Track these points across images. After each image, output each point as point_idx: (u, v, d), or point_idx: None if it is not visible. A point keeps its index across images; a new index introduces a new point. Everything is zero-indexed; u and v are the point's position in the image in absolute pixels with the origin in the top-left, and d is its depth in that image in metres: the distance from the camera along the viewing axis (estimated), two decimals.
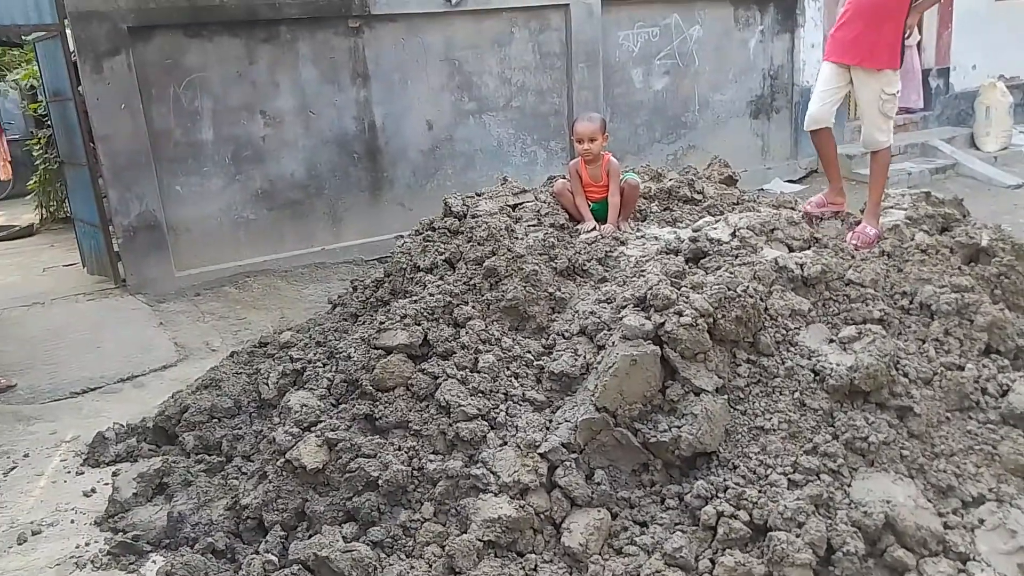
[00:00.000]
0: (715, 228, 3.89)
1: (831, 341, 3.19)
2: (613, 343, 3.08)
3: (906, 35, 3.85)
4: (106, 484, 3.62)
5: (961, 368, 3.12)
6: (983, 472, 2.84)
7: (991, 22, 10.55)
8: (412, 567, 2.73)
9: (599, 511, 2.83)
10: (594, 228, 4.21)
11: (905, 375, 3.03)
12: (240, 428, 3.72)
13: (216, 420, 3.82)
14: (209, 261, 6.89)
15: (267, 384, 3.78)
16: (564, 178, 4.53)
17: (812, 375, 3.04)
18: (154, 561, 3.07)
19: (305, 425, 3.23)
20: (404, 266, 4.02)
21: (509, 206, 4.32)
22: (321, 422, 3.22)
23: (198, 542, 3.07)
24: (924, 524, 2.59)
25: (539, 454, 2.93)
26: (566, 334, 3.42)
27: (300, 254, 7.20)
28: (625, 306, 3.25)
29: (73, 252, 7.87)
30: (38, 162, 9.37)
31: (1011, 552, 2.61)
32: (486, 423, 3.10)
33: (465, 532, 2.78)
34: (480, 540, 2.72)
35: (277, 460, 3.13)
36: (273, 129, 7.04)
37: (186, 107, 6.68)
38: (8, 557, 3.18)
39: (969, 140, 10.28)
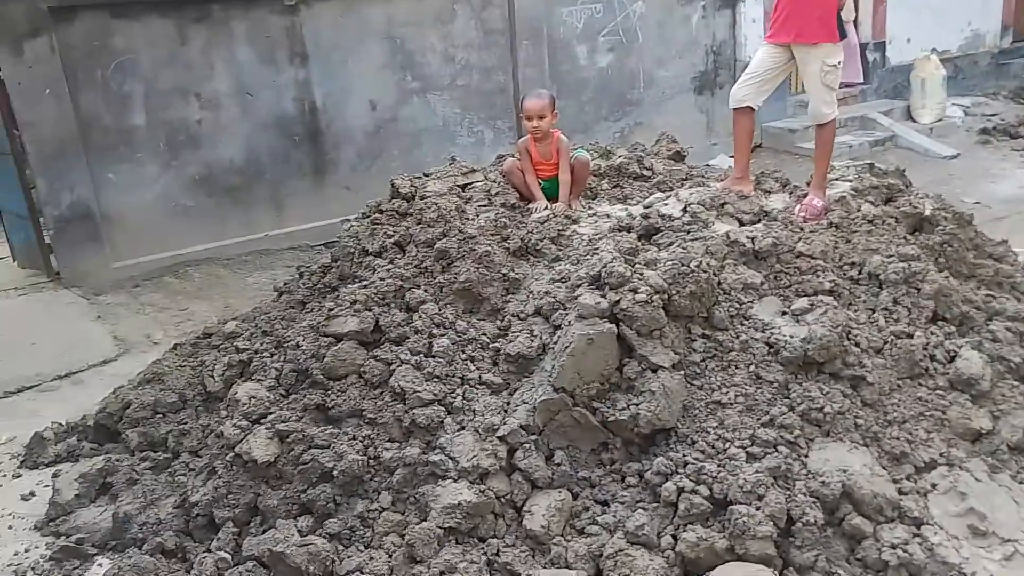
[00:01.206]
0: (666, 204, 3.88)
1: (784, 313, 3.21)
2: (569, 323, 3.05)
3: (840, 8, 3.90)
4: (46, 486, 3.46)
5: (910, 336, 3.17)
6: (934, 437, 2.90)
7: None
8: (371, 558, 2.67)
9: (560, 492, 2.81)
10: (546, 207, 4.17)
11: (857, 345, 3.07)
12: (186, 423, 3.59)
13: (160, 415, 3.68)
14: (147, 251, 6.63)
15: (213, 376, 3.65)
16: (513, 156, 4.46)
17: (766, 348, 3.06)
18: (100, 565, 2.94)
19: (254, 417, 3.12)
20: (352, 250, 3.91)
21: (458, 186, 4.25)
22: (271, 414, 3.11)
23: (146, 543, 2.95)
24: (880, 491, 2.63)
25: (498, 437, 2.89)
26: (521, 315, 3.37)
27: (242, 241, 6.98)
28: (580, 285, 3.21)
29: (2, 246, 7.51)
30: None
31: (962, 514, 2.68)
32: (443, 408, 3.04)
33: (425, 520, 2.73)
34: (440, 527, 2.68)
35: (226, 455, 3.03)
36: (209, 112, 6.80)
37: (116, 91, 6.39)
38: None
39: (906, 112, 10.51)
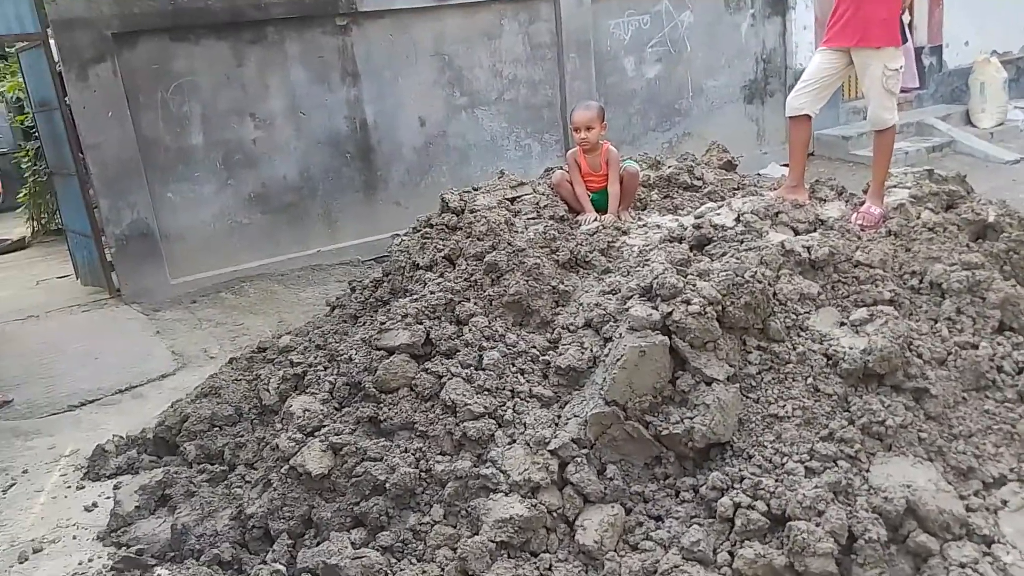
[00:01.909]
0: (718, 214, 3.82)
1: (842, 324, 3.13)
2: (620, 335, 3.01)
3: (902, 12, 3.81)
4: (107, 498, 3.55)
5: (975, 347, 3.06)
6: (1003, 452, 2.78)
7: None
8: (424, 571, 2.67)
9: (613, 507, 2.77)
10: (595, 219, 4.15)
11: (919, 356, 2.97)
12: (242, 436, 3.65)
13: (217, 428, 3.75)
14: (204, 268, 6.81)
15: (268, 390, 3.71)
16: (562, 169, 4.46)
17: (825, 360, 2.98)
18: (159, 575, 3.00)
19: (308, 430, 3.16)
20: (403, 264, 3.95)
21: (507, 200, 4.26)
22: (324, 426, 3.15)
23: (203, 554, 3.00)
24: (946, 507, 2.53)
25: (549, 451, 2.86)
26: (571, 327, 3.35)
27: (296, 257, 7.12)
28: (631, 296, 3.18)
29: (66, 264, 7.79)
30: (27, 174, 9.28)
31: None
32: (493, 421, 3.03)
33: (476, 533, 2.71)
34: (492, 541, 2.66)
35: (281, 467, 3.07)
36: (264, 132, 6.96)
37: (175, 112, 6.60)
38: None
39: (964, 117, 10.22)
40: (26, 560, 3.19)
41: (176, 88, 6.57)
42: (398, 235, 4.44)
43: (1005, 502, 2.64)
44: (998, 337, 3.15)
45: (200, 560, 2.98)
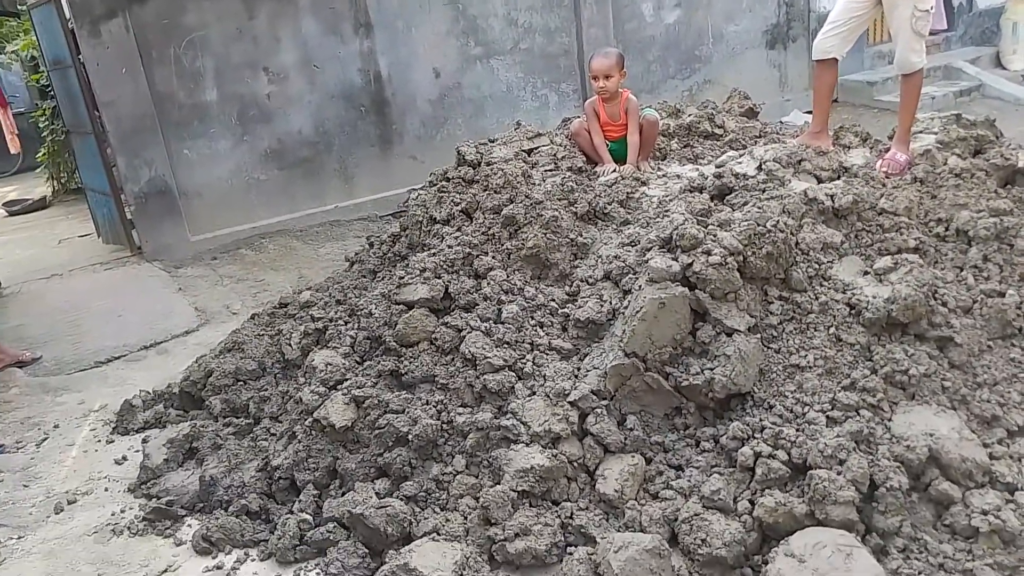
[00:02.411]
0: (739, 163, 3.76)
1: (866, 273, 3.09)
2: (639, 287, 3.00)
3: None
4: (136, 451, 3.63)
5: (1002, 295, 3.01)
6: None
7: None
8: (447, 520, 2.71)
9: (633, 456, 2.79)
10: (614, 170, 4.09)
11: (944, 304, 2.93)
12: (266, 390, 3.70)
13: (241, 383, 3.80)
14: (223, 224, 6.83)
15: (290, 344, 3.75)
16: (580, 119, 4.39)
17: (847, 309, 2.95)
18: (189, 525, 3.08)
19: (331, 384, 3.19)
20: (420, 219, 3.93)
21: (524, 151, 4.21)
22: (347, 380, 3.18)
23: (232, 504, 3.07)
24: (969, 456, 2.52)
25: (569, 402, 2.88)
26: (590, 280, 3.34)
27: (313, 212, 7.12)
28: (650, 248, 3.15)
29: (87, 222, 7.85)
30: (45, 133, 9.30)
31: None
32: (513, 374, 3.05)
33: (498, 483, 2.75)
34: (514, 490, 2.69)
35: (305, 420, 3.11)
36: (277, 86, 6.90)
37: (188, 68, 6.55)
38: (47, 527, 3.20)
39: (994, 59, 9.92)
40: (61, 511, 3.29)
41: (188, 43, 6.51)
42: (414, 189, 4.41)
43: None
44: None
45: (228, 511, 3.04)
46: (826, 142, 3.93)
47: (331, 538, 2.76)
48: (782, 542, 2.39)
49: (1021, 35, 9.73)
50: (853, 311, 2.93)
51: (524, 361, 3.10)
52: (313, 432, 3.06)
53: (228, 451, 3.35)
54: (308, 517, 2.87)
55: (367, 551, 2.69)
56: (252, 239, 6.80)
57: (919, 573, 2.32)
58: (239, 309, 5.44)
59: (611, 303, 3.16)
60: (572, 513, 2.69)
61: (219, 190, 6.83)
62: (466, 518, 2.72)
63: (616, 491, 2.70)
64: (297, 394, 3.27)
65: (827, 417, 2.67)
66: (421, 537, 2.64)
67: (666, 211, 3.43)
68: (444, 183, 4.06)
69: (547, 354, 3.14)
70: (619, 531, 2.60)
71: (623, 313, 3.04)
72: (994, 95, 9.06)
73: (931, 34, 3.91)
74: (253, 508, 3.02)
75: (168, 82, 6.51)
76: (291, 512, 2.95)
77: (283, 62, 6.89)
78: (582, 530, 2.63)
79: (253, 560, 2.85)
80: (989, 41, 10.23)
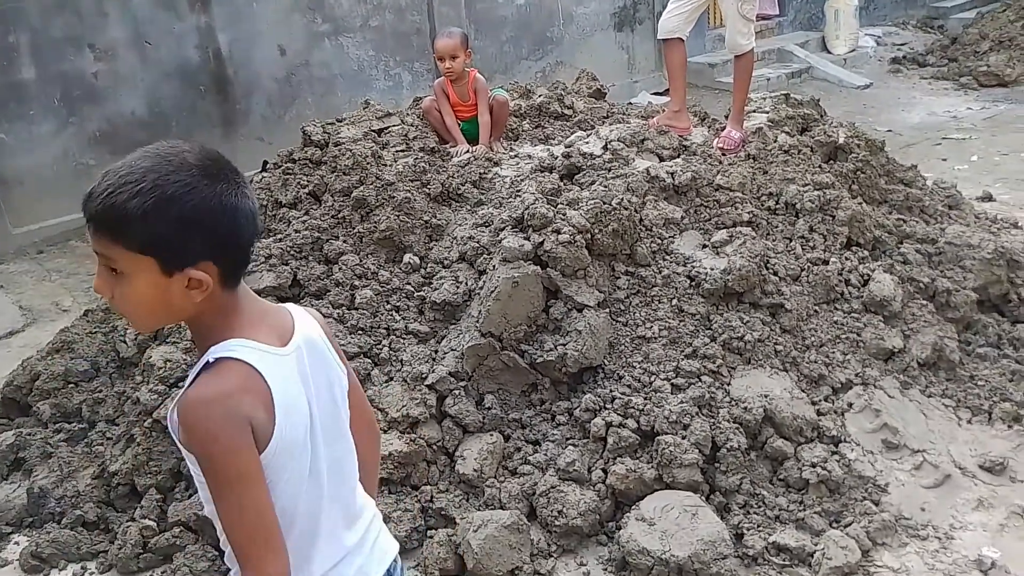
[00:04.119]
0: (587, 142, 3.84)
1: (704, 246, 3.25)
2: (494, 267, 3.01)
3: None
4: None
5: (826, 262, 3.25)
6: (850, 359, 3.00)
7: None
8: None
9: (491, 435, 2.81)
10: (467, 150, 4.07)
11: (775, 273, 3.13)
12: (100, 391, 3.43)
13: (73, 385, 3.51)
14: (49, 215, 6.26)
15: (125, 342, 3.49)
16: (431, 96, 4.33)
17: (688, 281, 3.09)
18: (16, 543, 2.82)
19: (171, 381, 3.01)
20: (264, 203, 3.76)
21: (374, 131, 4.11)
22: (187, 376, 3.00)
23: (65, 516, 2.84)
24: (799, 413, 2.71)
25: (427, 386, 2.86)
26: (445, 262, 3.31)
27: None
28: (503, 228, 3.17)
29: None
30: None
31: (876, 430, 2.79)
32: (369, 360, 2.99)
33: None
34: None
35: (144, 421, 2.92)
36: (105, 64, 6.38)
37: (0, 43, 5.94)
38: None
39: (821, 44, 10.65)
40: None
41: (0, 15, 5.90)
42: (258, 172, 4.22)
43: (851, 404, 2.86)
44: (846, 252, 3.36)
45: (62, 523, 2.82)
46: (685, 121, 4.05)
47: (177, 543, 2.62)
48: (633, 507, 2.49)
49: (842, 21, 10.50)
50: (693, 283, 3.07)
51: (380, 347, 3.04)
52: (154, 433, 2.87)
53: (60, 459, 3.09)
54: (152, 523, 2.70)
55: (217, 554, 2.56)
56: (83, 229, 6.22)
57: (758, 526, 2.48)
58: (70, 306, 5.04)
59: (467, 284, 3.15)
60: (432, 496, 2.68)
61: (43, 177, 6.25)
62: None
63: (475, 471, 2.71)
64: (135, 394, 3.06)
65: (672, 385, 2.79)
66: None
67: (518, 191, 3.46)
68: (290, 164, 3.90)
69: (404, 338, 3.09)
70: (479, 510, 2.62)
71: (479, 294, 3.04)
72: (821, 77, 9.74)
73: (764, 19, 4.14)
74: (90, 518, 2.81)
75: None
76: (132, 519, 2.76)
77: (111, 38, 6.37)
78: (442, 512, 2.63)
79: (92, 573, 2.67)
80: (815, 27, 10.97)
